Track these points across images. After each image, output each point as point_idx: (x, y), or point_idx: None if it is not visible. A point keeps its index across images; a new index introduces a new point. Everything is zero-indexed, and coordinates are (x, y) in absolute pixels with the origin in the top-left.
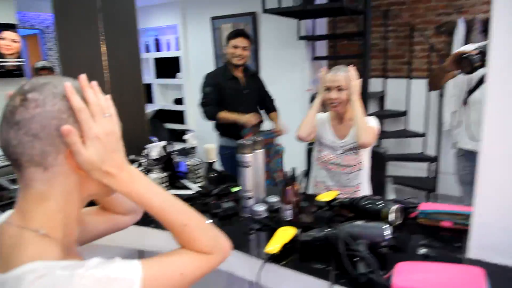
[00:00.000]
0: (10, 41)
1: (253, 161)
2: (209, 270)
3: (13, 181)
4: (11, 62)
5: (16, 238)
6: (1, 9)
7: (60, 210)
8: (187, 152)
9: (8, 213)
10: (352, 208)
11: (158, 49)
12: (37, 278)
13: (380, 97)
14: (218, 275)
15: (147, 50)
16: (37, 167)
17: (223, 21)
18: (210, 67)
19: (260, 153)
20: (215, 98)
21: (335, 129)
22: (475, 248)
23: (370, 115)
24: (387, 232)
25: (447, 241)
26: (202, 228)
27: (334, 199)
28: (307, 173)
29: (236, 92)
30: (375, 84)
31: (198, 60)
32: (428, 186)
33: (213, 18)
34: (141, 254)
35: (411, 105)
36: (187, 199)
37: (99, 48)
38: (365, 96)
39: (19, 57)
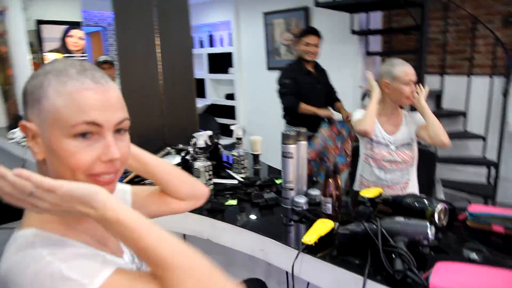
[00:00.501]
0: (77, 39)
1: (296, 153)
2: None
3: None
4: (77, 58)
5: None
6: (68, 8)
7: None
8: (233, 144)
9: None
10: (395, 206)
11: (211, 44)
12: (21, 244)
13: (437, 96)
14: (257, 265)
15: (201, 46)
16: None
17: (275, 16)
18: (262, 62)
19: (303, 145)
20: (294, 89)
21: (384, 125)
22: None
23: None
24: (430, 231)
25: (497, 246)
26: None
27: (378, 196)
28: (351, 171)
29: (311, 86)
30: (432, 82)
31: (250, 56)
32: (486, 192)
33: (266, 14)
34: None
35: (471, 104)
36: (230, 188)
37: (153, 42)
38: None
39: (83, 53)
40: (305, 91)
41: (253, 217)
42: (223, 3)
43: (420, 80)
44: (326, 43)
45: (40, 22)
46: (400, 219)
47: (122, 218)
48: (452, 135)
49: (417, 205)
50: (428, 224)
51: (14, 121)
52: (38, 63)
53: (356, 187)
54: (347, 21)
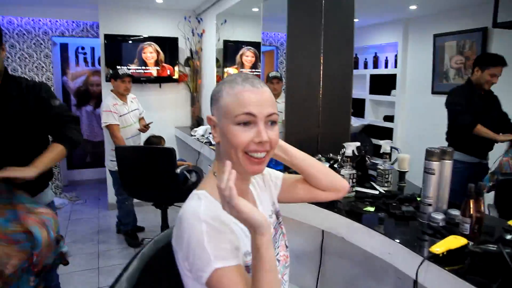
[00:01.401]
0: (250, 57)
1: (439, 170)
2: None
3: None
4: (250, 72)
5: (204, 180)
6: (253, 31)
7: (217, 162)
8: (381, 156)
9: None
10: None
11: (376, 66)
12: (193, 198)
13: None
14: (385, 271)
15: (365, 67)
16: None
17: (447, 38)
18: (428, 85)
19: (448, 163)
20: (469, 109)
21: None
22: None
23: None
24: None
25: None
26: None
27: None
28: None
29: (484, 110)
30: None
31: (415, 78)
32: None
33: (436, 36)
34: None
35: None
36: (371, 197)
37: (319, 61)
38: None
39: (256, 68)
40: (478, 114)
41: (387, 224)
42: (391, 26)
43: None
44: (505, 68)
45: (226, 42)
46: None
47: (263, 250)
48: None
49: None
50: None
51: (196, 122)
52: (220, 76)
53: None
54: None
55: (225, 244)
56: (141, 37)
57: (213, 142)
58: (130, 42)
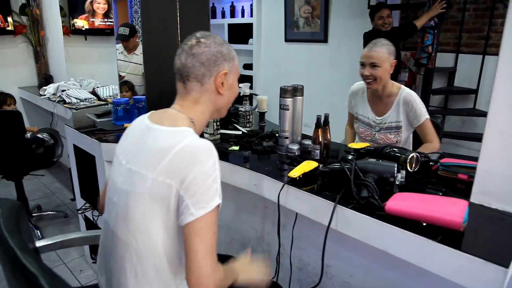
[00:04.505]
0: (102, 4)
1: (292, 106)
2: None
3: (98, 116)
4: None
5: (176, 115)
6: None
7: (204, 112)
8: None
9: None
10: (376, 155)
11: (233, 15)
12: (191, 134)
13: (450, 73)
14: (254, 205)
15: (223, 16)
16: (197, 82)
17: None
18: (281, 34)
19: (299, 99)
20: None
21: (373, 105)
22: (477, 193)
23: (436, 91)
24: (395, 169)
25: (456, 189)
26: None
27: (363, 148)
28: None
29: None
30: (446, 59)
31: (269, 27)
32: None
33: None
34: None
35: (483, 83)
36: (234, 137)
37: (175, 10)
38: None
39: (108, 17)
40: None
41: (252, 159)
42: None
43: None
44: (343, 18)
45: None
46: (372, 160)
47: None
48: (461, 111)
49: (392, 153)
50: (395, 165)
51: (44, 80)
52: (67, 26)
53: None
54: None
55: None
56: None
57: (82, 97)
58: None
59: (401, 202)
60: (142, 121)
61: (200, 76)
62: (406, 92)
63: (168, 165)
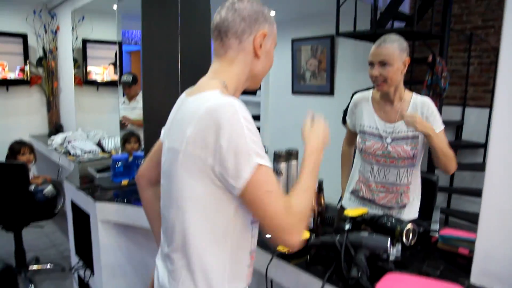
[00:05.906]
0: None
1: (287, 171)
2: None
3: (98, 171)
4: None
5: (206, 82)
6: (111, 29)
7: (238, 74)
8: None
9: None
10: (372, 225)
11: None
12: (217, 95)
13: (458, 127)
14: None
15: None
16: (236, 39)
17: (303, 43)
18: (288, 86)
19: (294, 164)
20: None
21: (381, 112)
22: (477, 274)
23: None
24: (389, 245)
25: (457, 265)
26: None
27: (360, 216)
28: None
29: None
30: (453, 113)
31: (277, 79)
32: None
33: (294, 40)
34: None
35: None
36: None
37: (176, 64)
38: None
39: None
40: None
41: None
42: None
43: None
44: (349, 71)
45: (85, 41)
46: (364, 233)
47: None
48: (471, 167)
49: (389, 224)
50: (388, 239)
51: (54, 129)
52: (80, 77)
53: (351, 185)
54: (369, 50)
55: (260, 143)
56: None
57: (87, 149)
58: None
59: (391, 285)
60: (180, 98)
61: (240, 32)
62: (422, 97)
63: (192, 135)
